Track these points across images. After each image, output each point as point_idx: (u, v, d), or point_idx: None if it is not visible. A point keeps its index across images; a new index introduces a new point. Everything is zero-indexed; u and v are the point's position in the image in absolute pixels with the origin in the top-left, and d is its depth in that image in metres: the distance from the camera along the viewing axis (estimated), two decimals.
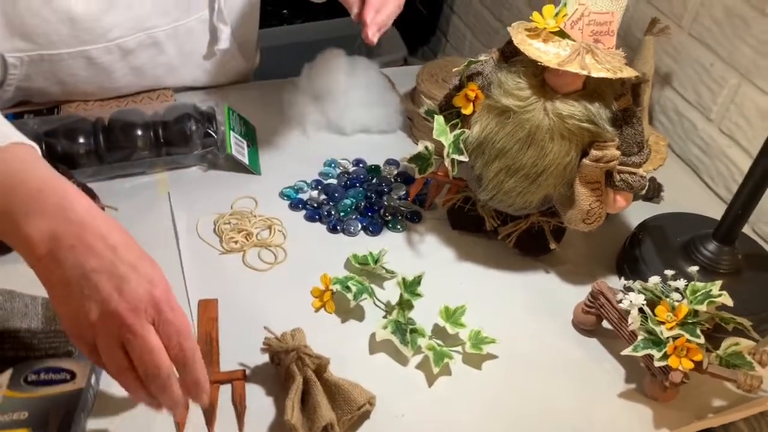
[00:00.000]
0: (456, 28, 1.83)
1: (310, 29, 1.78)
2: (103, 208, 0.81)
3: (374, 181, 0.94)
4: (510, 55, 0.75)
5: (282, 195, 0.91)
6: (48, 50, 0.88)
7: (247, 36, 1.06)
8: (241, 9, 1.01)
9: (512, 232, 0.85)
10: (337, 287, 0.77)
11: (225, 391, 0.68)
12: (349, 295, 0.76)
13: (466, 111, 0.77)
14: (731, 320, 0.71)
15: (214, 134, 0.90)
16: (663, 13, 1.10)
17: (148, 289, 0.52)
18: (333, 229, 0.87)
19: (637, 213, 0.93)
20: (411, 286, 0.76)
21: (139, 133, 0.88)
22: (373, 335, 0.75)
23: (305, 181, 0.93)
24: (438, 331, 0.76)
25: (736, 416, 0.74)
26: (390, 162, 0.97)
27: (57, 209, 0.53)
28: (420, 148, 0.83)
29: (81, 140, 0.86)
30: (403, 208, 0.90)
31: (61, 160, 0.85)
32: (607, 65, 0.68)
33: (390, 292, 0.80)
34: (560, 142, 0.72)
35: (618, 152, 0.73)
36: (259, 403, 0.68)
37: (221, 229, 0.85)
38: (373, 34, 0.80)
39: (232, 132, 0.93)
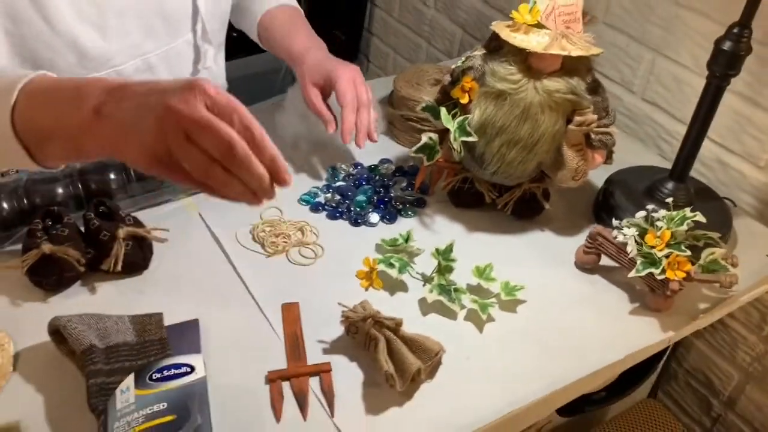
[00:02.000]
0: (377, 48, 1.98)
1: (242, 64, 1.87)
2: (149, 233, 0.88)
3: (377, 178, 1.06)
4: (495, 48, 0.90)
5: (301, 201, 1.01)
6: None
7: (217, 56, 1.13)
8: (218, 30, 1.09)
9: (508, 201, 0.99)
10: (381, 266, 0.88)
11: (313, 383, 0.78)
12: (393, 271, 0.88)
13: (464, 100, 0.91)
14: (703, 236, 0.89)
15: None
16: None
17: (190, 82, 0.55)
18: (355, 223, 0.98)
19: (595, 173, 1.10)
20: (445, 254, 0.88)
21: None
22: (421, 300, 0.87)
23: (317, 187, 1.03)
24: (472, 289, 0.89)
25: (718, 314, 0.91)
26: (384, 161, 1.10)
27: (96, 86, 0.59)
28: (425, 139, 0.96)
29: (112, 176, 0.93)
30: (409, 197, 1.03)
31: (96, 194, 0.91)
32: (580, 45, 0.85)
33: (421, 266, 0.92)
34: (549, 113, 0.88)
35: (595, 116, 0.89)
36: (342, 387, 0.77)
37: (259, 236, 0.94)
38: (361, 140, 0.99)
39: None
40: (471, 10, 1.58)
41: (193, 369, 0.70)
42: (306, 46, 1.06)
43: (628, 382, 0.97)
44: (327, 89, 1.03)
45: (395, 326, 0.78)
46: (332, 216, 0.99)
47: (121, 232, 0.84)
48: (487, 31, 1.55)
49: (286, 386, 0.76)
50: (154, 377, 0.69)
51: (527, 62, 0.87)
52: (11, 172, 0.98)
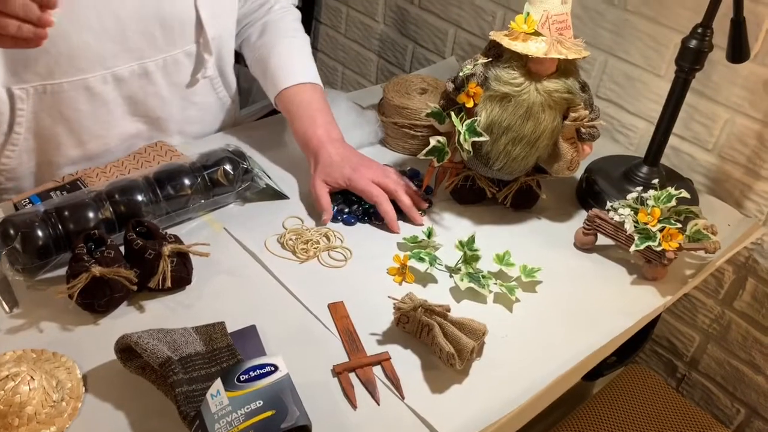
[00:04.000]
0: (324, 64, 2.05)
1: None
2: (190, 248, 0.90)
3: None
4: (496, 56, 0.99)
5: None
6: (49, 80, 0.97)
7: (226, 67, 1.18)
8: (220, 41, 1.12)
9: (507, 194, 1.09)
10: (412, 261, 0.95)
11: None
12: (423, 265, 0.95)
13: (470, 104, 1.00)
14: (684, 210, 1.02)
15: (251, 170, 1.02)
16: None
17: None
18: (369, 220, 1.04)
19: None
20: (468, 245, 0.96)
21: (187, 182, 0.98)
22: (452, 288, 0.95)
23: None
24: (494, 275, 0.97)
25: (702, 276, 1.04)
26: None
27: None
28: (433, 142, 1.03)
29: (140, 197, 0.95)
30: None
31: (126, 215, 0.93)
32: (574, 49, 0.95)
33: (443, 258, 0.99)
34: (549, 111, 0.98)
35: (587, 111, 1.00)
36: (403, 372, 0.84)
37: (288, 244, 0.98)
38: (416, 218, 1.05)
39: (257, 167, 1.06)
40: (422, 23, 1.67)
41: (276, 368, 0.74)
42: (321, 140, 1.07)
43: (628, 347, 1.09)
44: (339, 187, 1.05)
45: (445, 312, 0.85)
46: (348, 222, 1.04)
47: (166, 249, 0.87)
48: (439, 43, 1.66)
49: (352, 377, 0.81)
50: (241, 378, 0.73)
51: (527, 67, 0.97)
52: (24, 203, 0.98)
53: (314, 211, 1.06)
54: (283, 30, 1.17)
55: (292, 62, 1.14)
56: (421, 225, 1.05)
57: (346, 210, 1.06)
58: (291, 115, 1.11)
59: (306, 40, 1.20)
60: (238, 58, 1.22)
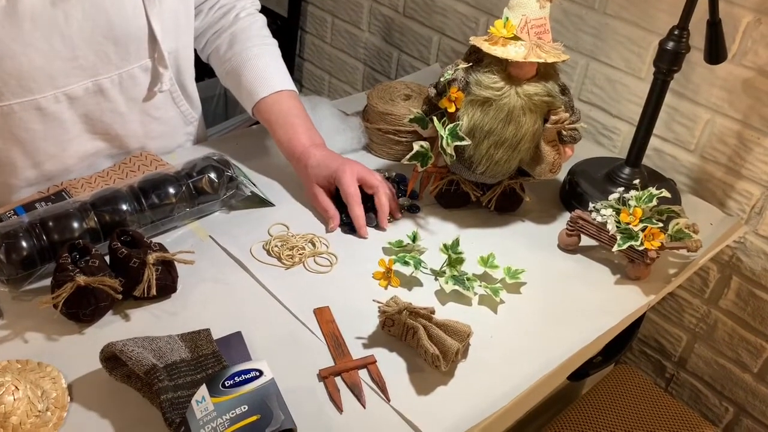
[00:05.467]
0: (311, 73, 2.06)
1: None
2: (174, 256, 0.91)
3: None
4: (476, 61, 1.00)
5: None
6: None
7: (186, 80, 1.16)
8: (176, 54, 1.11)
9: (491, 197, 1.09)
10: (397, 265, 0.95)
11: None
12: (408, 269, 0.95)
13: (451, 109, 1.01)
14: (666, 210, 1.03)
15: (236, 178, 1.03)
16: None
17: None
18: (353, 230, 1.05)
19: None
20: (453, 248, 0.97)
21: (172, 190, 0.98)
22: (437, 291, 0.95)
23: None
24: (478, 277, 0.98)
25: (686, 275, 1.05)
26: None
27: None
28: (417, 147, 1.04)
29: (124, 206, 0.95)
30: (405, 204, 1.11)
31: (111, 225, 0.93)
32: (552, 53, 0.96)
33: (428, 262, 1.00)
34: (530, 114, 0.99)
35: (567, 114, 1.01)
36: (389, 375, 0.84)
37: (273, 251, 0.99)
38: (384, 223, 1.06)
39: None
40: (407, 31, 1.69)
41: (261, 372, 0.75)
42: (305, 146, 1.08)
43: (614, 347, 1.09)
44: (332, 187, 1.07)
45: (429, 314, 0.85)
46: (353, 230, 1.05)
47: (151, 257, 0.87)
48: (424, 50, 1.67)
49: (338, 381, 0.81)
50: (226, 384, 0.73)
51: (507, 71, 0.98)
52: (8, 215, 0.98)
53: (300, 217, 1.07)
54: (252, 38, 1.15)
55: (266, 71, 1.13)
56: (384, 230, 1.06)
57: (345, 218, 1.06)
58: (271, 125, 1.12)
59: (275, 45, 1.19)
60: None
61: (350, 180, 1.04)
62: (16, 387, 0.72)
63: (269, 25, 1.21)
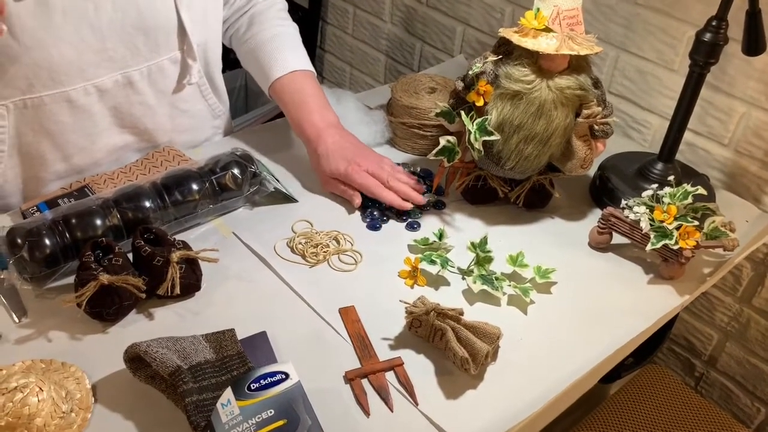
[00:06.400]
0: (332, 65, 2.03)
1: None
2: (198, 254, 0.89)
3: None
4: (506, 53, 0.97)
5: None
6: (29, 95, 0.95)
7: (214, 73, 1.16)
8: (205, 47, 1.10)
9: (520, 193, 1.07)
10: (423, 264, 0.93)
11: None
12: (434, 268, 0.93)
13: (480, 103, 0.98)
14: (701, 207, 1.00)
15: (259, 174, 1.01)
16: None
17: None
18: (376, 228, 1.03)
19: None
20: (481, 246, 0.94)
21: (195, 187, 0.97)
22: (465, 291, 0.93)
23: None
24: (507, 276, 0.95)
25: (721, 274, 1.02)
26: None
27: None
28: (443, 142, 1.02)
29: (147, 203, 0.94)
30: (431, 200, 1.08)
31: (134, 222, 0.92)
32: (585, 45, 0.93)
33: (455, 260, 0.97)
34: (561, 108, 0.96)
35: (600, 108, 0.98)
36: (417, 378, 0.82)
37: (297, 248, 0.97)
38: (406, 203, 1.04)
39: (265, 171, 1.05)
40: (430, 22, 1.66)
41: (287, 375, 0.73)
42: (318, 128, 1.07)
43: (646, 348, 1.07)
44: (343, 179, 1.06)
45: (458, 315, 0.83)
46: (374, 227, 1.03)
47: (175, 256, 0.85)
48: (447, 41, 1.64)
49: (364, 384, 0.80)
50: (252, 387, 0.71)
51: (538, 64, 0.95)
52: (31, 211, 0.97)
53: (324, 214, 1.05)
54: (270, 20, 1.15)
55: (281, 51, 1.12)
56: (421, 204, 1.05)
57: (375, 213, 1.04)
58: (284, 104, 1.11)
59: (294, 27, 1.18)
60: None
61: (363, 178, 1.03)
62: (41, 388, 0.71)
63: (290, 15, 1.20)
